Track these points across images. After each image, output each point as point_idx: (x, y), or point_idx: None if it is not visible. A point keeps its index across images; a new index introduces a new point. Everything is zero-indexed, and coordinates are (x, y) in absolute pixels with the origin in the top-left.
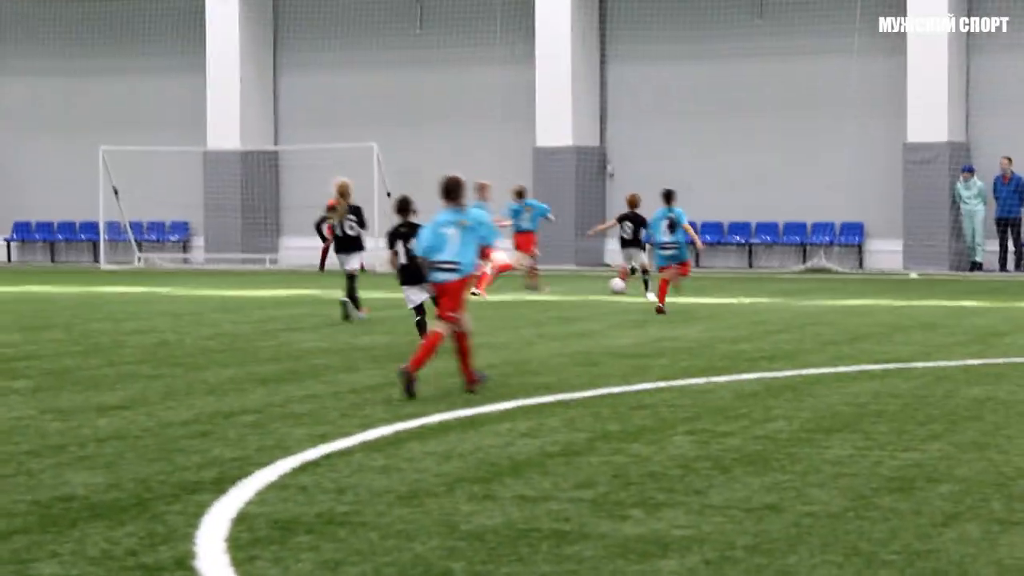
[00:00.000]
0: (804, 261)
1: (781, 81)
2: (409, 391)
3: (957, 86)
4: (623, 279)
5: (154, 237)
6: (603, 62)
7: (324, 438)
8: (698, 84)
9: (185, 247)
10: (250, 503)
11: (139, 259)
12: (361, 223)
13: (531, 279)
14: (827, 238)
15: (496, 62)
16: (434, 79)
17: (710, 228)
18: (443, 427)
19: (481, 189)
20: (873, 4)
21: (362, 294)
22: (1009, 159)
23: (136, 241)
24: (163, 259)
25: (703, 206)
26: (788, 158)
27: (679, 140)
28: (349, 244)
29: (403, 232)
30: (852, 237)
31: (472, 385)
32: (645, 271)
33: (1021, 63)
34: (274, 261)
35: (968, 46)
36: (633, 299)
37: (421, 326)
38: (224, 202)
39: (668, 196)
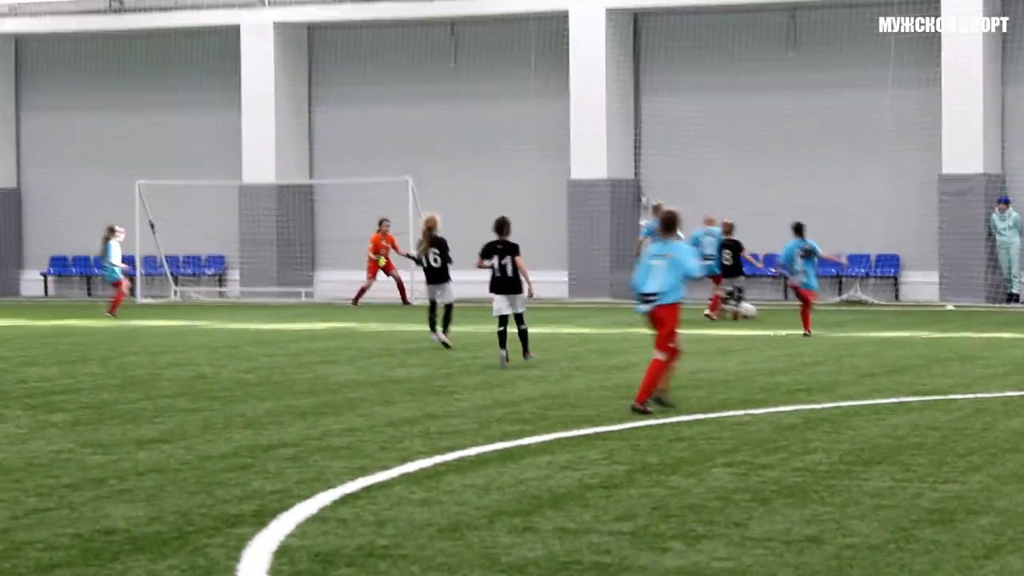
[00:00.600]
0: (840, 293)
1: (815, 113)
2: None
3: (992, 117)
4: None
5: (190, 271)
6: (637, 94)
7: (363, 471)
8: (732, 116)
9: (221, 281)
10: (291, 536)
11: (175, 293)
12: (445, 256)
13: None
14: (863, 270)
15: (530, 95)
16: (469, 113)
17: (744, 260)
18: (482, 460)
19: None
20: (907, 36)
21: (393, 325)
22: None
23: (172, 275)
24: (199, 293)
25: (738, 237)
26: (823, 190)
27: (714, 172)
28: (437, 275)
29: (499, 248)
30: (888, 269)
31: (641, 405)
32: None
33: None
34: (309, 295)
35: (1003, 77)
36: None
37: (502, 336)
38: (259, 236)
39: (799, 229)
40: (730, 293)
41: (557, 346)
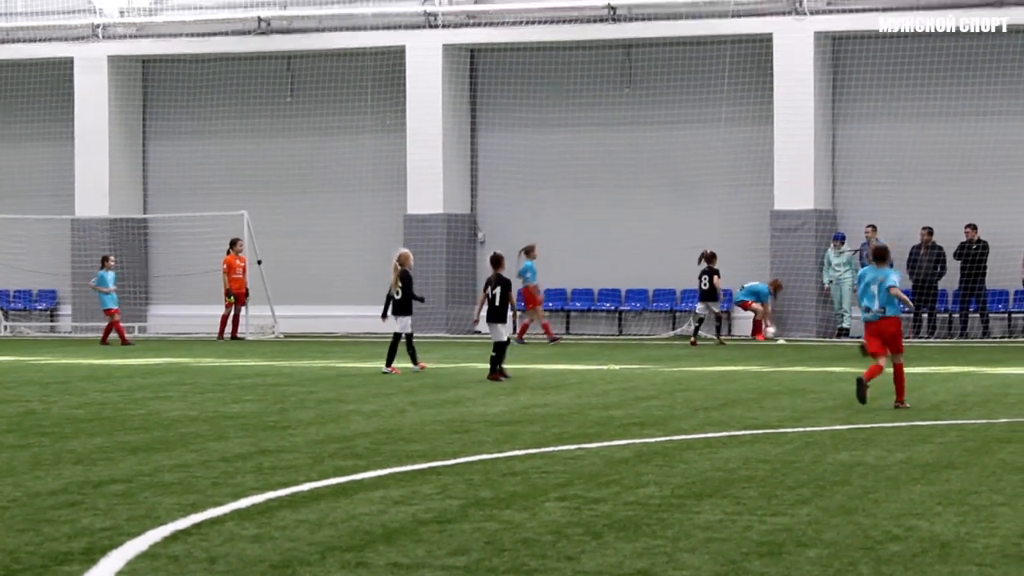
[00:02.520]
0: (674, 327)
1: (650, 149)
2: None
3: (823, 155)
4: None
5: (20, 306)
6: (474, 129)
7: (195, 507)
8: (568, 152)
9: (52, 315)
10: (120, 573)
11: (5, 328)
12: (408, 290)
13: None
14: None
15: (367, 130)
16: (305, 146)
17: (580, 295)
18: (315, 495)
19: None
20: (740, 74)
21: (227, 360)
22: (873, 227)
23: (2, 310)
24: (30, 327)
25: (573, 273)
26: (657, 225)
27: (550, 207)
28: (399, 307)
29: (493, 281)
30: (722, 304)
31: (902, 403)
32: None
33: (885, 132)
34: (143, 329)
35: (834, 115)
36: (507, 365)
37: (494, 361)
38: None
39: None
40: (700, 320)
41: (392, 381)
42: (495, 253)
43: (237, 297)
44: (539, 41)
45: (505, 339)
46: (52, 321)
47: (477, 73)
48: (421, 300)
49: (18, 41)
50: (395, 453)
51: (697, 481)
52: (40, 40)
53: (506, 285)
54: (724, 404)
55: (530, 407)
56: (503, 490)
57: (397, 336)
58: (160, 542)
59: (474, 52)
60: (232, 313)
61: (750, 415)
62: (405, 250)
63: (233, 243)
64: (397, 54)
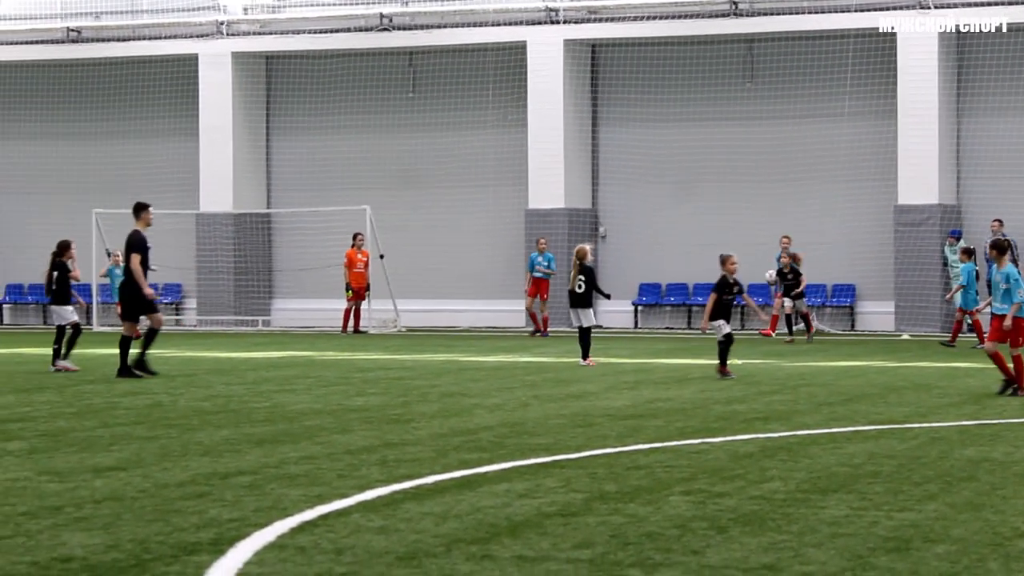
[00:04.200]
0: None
1: (772, 144)
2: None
3: (947, 149)
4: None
5: None
6: (595, 124)
7: (320, 499)
8: (688, 147)
9: (177, 309)
10: (249, 564)
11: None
12: (592, 283)
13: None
14: (819, 299)
15: (489, 125)
16: (427, 142)
17: (701, 289)
18: (439, 488)
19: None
20: (863, 68)
21: (350, 354)
22: (1000, 221)
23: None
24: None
25: (694, 267)
26: (780, 220)
27: (670, 201)
28: (580, 300)
29: (579, 267)
30: (844, 298)
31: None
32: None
33: (1011, 125)
34: (266, 323)
35: (959, 109)
36: (629, 360)
37: (586, 345)
38: (217, 264)
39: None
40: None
41: (514, 375)
42: (580, 246)
43: (356, 292)
44: (660, 36)
45: (590, 324)
46: (177, 315)
47: (598, 68)
48: (607, 296)
49: (144, 39)
50: (519, 447)
51: (822, 476)
52: (165, 37)
53: (589, 273)
54: (848, 399)
55: (653, 401)
56: (627, 484)
57: (583, 330)
58: (287, 533)
59: (595, 47)
60: (354, 307)
61: (875, 410)
62: (583, 244)
63: (354, 237)
64: (518, 50)
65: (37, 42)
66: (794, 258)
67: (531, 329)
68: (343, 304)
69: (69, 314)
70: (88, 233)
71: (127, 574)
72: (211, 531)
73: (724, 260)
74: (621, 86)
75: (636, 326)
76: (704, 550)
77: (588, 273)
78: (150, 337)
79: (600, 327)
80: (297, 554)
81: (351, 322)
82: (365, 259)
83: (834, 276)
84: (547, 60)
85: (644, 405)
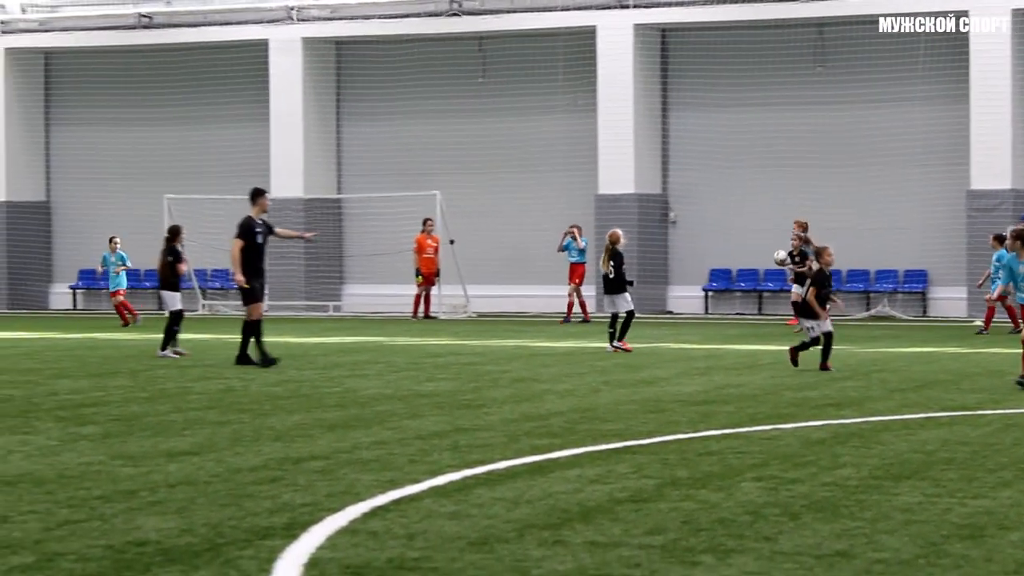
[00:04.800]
0: (868, 308)
1: (842, 129)
2: None
3: (1021, 133)
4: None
5: (218, 284)
6: (665, 109)
7: (392, 484)
8: (759, 132)
9: None
10: (322, 548)
11: (203, 306)
12: (620, 269)
13: None
14: (891, 285)
15: (558, 110)
16: (497, 127)
17: (773, 275)
18: (511, 473)
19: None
20: (936, 52)
21: (421, 339)
22: None
23: (200, 288)
24: (227, 306)
25: (764, 253)
26: (851, 205)
27: (741, 186)
28: (612, 286)
29: (611, 252)
30: (916, 284)
31: None
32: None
33: None
34: (337, 308)
35: None
36: (700, 345)
37: (611, 336)
38: (288, 250)
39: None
40: None
41: (584, 360)
42: (613, 230)
43: (426, 277)
44: (730, 20)
45: (626, 310)
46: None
47: (668, 52)
48: (630, 284)
49: (215, 24)
50: (590, 432)
51: (895, 463)
52: (236, 23)
53: (618, 259)
54: (921, 385)
55: (724, 387)
56: (699, 470)
57: (615, 316)
58: (359, 518)
59: (665, 32)
60: (424, 293)
61: (948, 397)
62: (615, 229)
63: (424, 223)
64: (588, 34)
65: (109, 28)
66: (805, 241)
67: (577, 317)
68: (413, 289)
69: (176, 301)
70: (159, 219)
71: (201, 558)
72: (284, 516)
73: (820, 252)
74: (691, 70)
75: (706, 312)
76: (777, 536)
77: (618, 259)
78: (246, 330)
79: (671, 313)
80: (369, 539)
81: (421, 307)
82: (435, 245)
83: (906, 262)
84: (617, 45)
85: (715, 391)
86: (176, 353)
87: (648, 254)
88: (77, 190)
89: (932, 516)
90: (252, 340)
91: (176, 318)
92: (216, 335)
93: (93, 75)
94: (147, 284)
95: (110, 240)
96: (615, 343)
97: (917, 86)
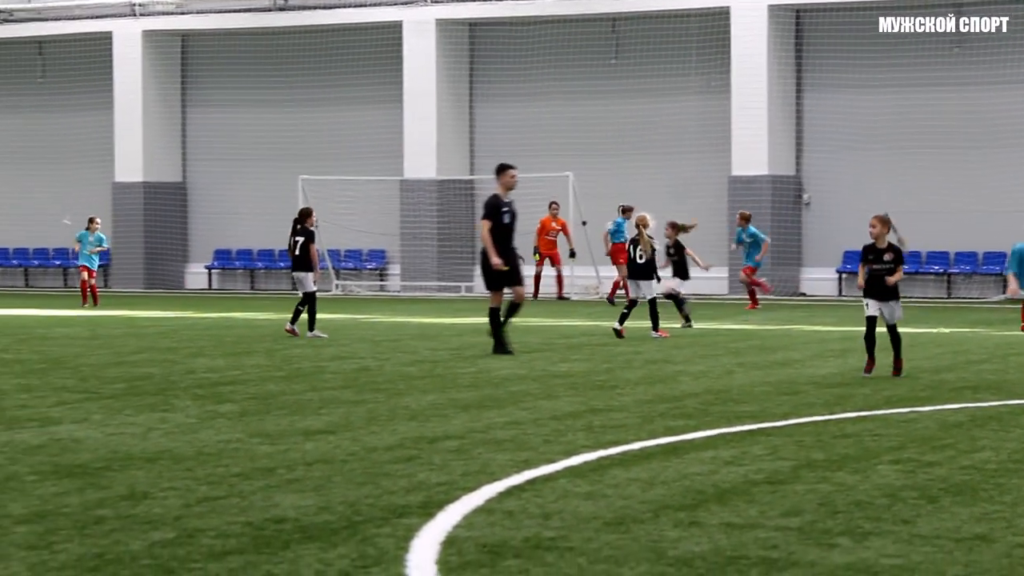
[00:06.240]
0: (1004, 291)
1: (980, 110)
2: None
3: None
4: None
5: (351, 265)
6: (799, 90)
7: (527, 464)
8: (895, 113)
9: (382, 275)
10: (458, 527)
11: (336, 286)
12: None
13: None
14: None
15: (691, 91)
16: (629, 108)
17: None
18: (645, 454)
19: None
20: None
21: (554, 320)
22: None
23: (334, 269)
24: (360, 287)
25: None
26: (987, 187)
27: (876, 168)
28: (638, 271)
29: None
30: None
31: None
32: None
33: None
34: (469, 289)
35: None
36: (835, 328)
37: (622, 317)
38: (420, 231)
39: None
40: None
41: (718, 341)
42: (641, 214)
43: (551, 258)
44: (865, 1)
45: (652, 296)
46: (381, 280)
47: (803, 33)
48: (657, 278)
49: (349, 6)
50: (724, 414)
51: None
52: (370, 4)
53: (649, 243)
54: None
55: (859, 369)
56: (835, 452)
57: (634, 301)
58: (495, 497)
59: (799, 12)
60: (555, 272)
61: None
62: (643, 213)
63: (550, 205)
64: (722, 15)
65: (245, 10)
66: (680, 229)
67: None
68: (547, 271)
69: (311, 282)
70: (293, 200)
71: (338, 535)
72: (420, 494)
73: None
74: (826, 51)
75: (840, 294)
76: (915, 519)
77: (647, 243)
78: (511, 311)
79: (804, 295)
80: (505, 518)
81: (545, 288)
82: (559, 227)
83: None
84: (751, 25)
85: (850, 373)
86: (293, 333)
87: (781, 236)
88: (213, 171)
89: None
90: (503, 325)
91: (310, 299)
92: (350, 315)
93: (229, 57)
94: (281, 264)
95: (90, 220)
96: (618, 325)
97: None
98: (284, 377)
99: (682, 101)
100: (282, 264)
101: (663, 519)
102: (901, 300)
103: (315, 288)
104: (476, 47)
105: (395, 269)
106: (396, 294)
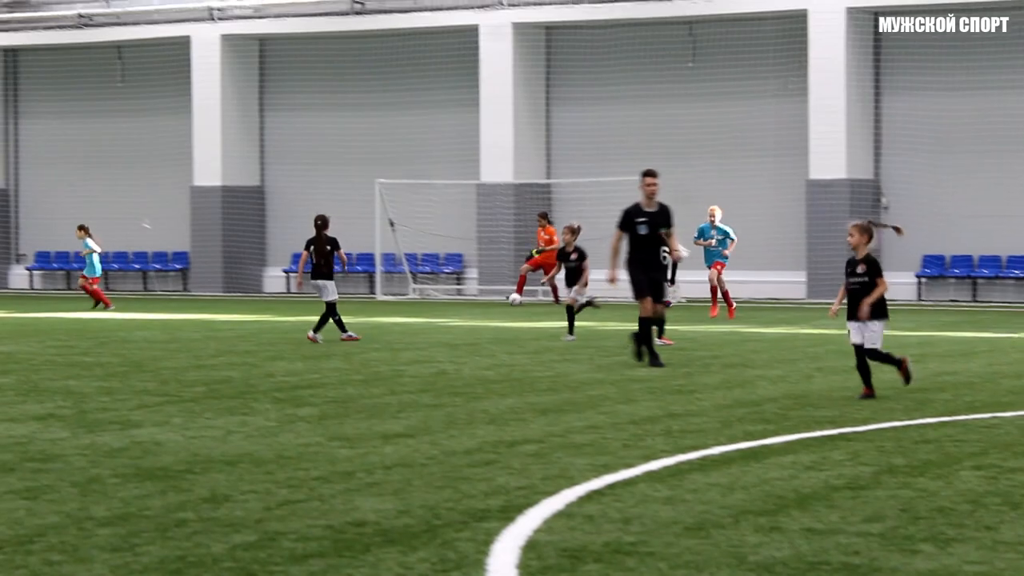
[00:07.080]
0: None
1: None
2: None
3: None
4: None
5: (428, 269)
6: (877, 94)
7: (607, 468)
8: (975, 117)
9: (458, 279)
10: (538, 531)
11: (413, 290)
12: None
13: None
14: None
15: (769, 94)
16: (706, 112)
17: (987, 261)
18: (725, 459)
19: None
20: None
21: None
22: None
23: (411, 273)
24: (437, 290)
25: (979, 240)
26: None
27: (956, 172)
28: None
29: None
30: None
31: None
32: None
33: None
34: (546, 293)
35: None
36: (913, 332)
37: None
38: (497, 235)
39: None
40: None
41: (796, 347)
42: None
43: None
44: (945, 3)
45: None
46: (458, 284)
47: (881, 36)
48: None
49: (426, 10)
50: (804, 419)
51: None
52: (447, 8)
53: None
54: None
55: (939, 375)
56: (916, 458)
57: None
58: (575, 502)
59: (878, 15)
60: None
61: None
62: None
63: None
64: (799, 18)
65: (322, 14)
66: (576, 233)
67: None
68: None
69: (333, 291)
70: (371, 203)
71: (419, 539)
72: (500, 498)
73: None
74: (905, 54)
75: (919, 298)
76: (998, 526)
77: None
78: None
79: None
80: (585, 522)
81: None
82: (548, 237)
83: None
84: (829, 27)
85: (931, 378)
86: (316, 340)
87: None
88: (291, 175)
89: None
90: (650, 335)
91: (331, 308)
92: (427, 319)
93: (306, 61)
94: (359, 268)
95: (79, 228)
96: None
97: None
98: (362, 381)
99: (759, 104)
100: (360, 268)
101: (743, 524)
102: (903, 308)
103: (336, 297)
104: (552, 51)
105: (472, 273)
106: (473, 298)
